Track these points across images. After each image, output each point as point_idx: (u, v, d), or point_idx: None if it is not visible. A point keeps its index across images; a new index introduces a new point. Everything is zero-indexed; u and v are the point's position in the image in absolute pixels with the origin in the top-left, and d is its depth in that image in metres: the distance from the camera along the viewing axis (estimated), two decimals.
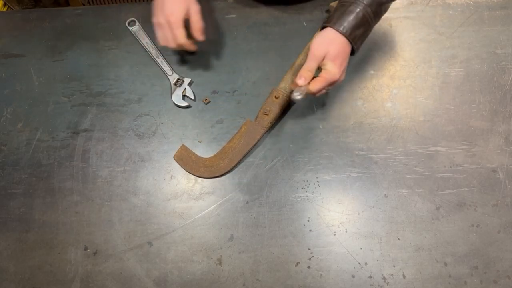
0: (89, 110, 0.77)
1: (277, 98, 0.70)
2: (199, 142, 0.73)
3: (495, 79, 0.74)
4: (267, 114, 0.70)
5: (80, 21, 0.86)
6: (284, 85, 0.71)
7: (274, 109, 0.70)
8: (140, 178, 0.71)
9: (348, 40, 0.60)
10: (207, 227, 0.67)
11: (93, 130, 0.75)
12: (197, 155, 0.71)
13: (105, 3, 1.69)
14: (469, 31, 0.78)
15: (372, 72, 0.76)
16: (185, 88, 0.76)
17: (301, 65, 0.65)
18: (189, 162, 0.70)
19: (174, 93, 0.76)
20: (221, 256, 0.65)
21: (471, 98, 0.73)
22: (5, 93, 0.80)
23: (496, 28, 0.78)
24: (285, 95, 0.70)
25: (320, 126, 0.72)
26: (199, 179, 0.70)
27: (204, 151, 0.72)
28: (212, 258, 0.65)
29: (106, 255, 0.66)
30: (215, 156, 0.70)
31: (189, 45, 0.70)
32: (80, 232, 0.68)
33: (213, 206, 0.68)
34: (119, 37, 0.83)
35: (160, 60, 0.79)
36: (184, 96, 0.76)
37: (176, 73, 0.78)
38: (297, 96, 0.60)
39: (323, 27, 0.63)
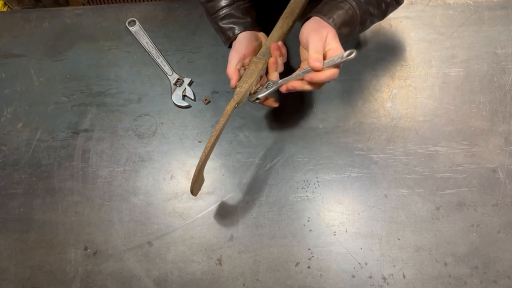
0: (89, 110, 0.77)
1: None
2: (199, 142, 0.73)
3: (495, 79, 0.74)
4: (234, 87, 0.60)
5: (80, 21, 0.86)
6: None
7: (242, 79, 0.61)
8: (140, 178, 0.71)
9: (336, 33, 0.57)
10: (207, 227, 0.67)
11: (93, 130, 0.75)
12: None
13: (105, 3, 1.69)
14: (469, 31, 0.78)
15: (372, 72, 0.76)
16: (185, 88, 0.76)
17: (280, 34, 0.63)
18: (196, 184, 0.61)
19: (174, 93, 0.76)
20: (221, 256, 0.65)
21: (471, 98, 0.73)
22: (5, 93, 0.80)
23: (496, 28, 0.78)
24: (253, 61, 0.62)
25: (320, 126, 0.72)
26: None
27: None
28: (212, 258, 0.65)
29: (106, 255, 0.66)
30: None
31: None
32: (80, 232, 0.68)
33: (213, 206, 0.68)
34: (119, 37, 0.83)
35: (160, 60, 0.79)
36: (184, 96, 0.76)
37: (176, 73, 0.78)
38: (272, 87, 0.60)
39: (310, 17, 0.60)
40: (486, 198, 0.66)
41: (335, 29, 0.57)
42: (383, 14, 0.65)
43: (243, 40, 0.63)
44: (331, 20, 0.57)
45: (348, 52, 0.52)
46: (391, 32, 0.80)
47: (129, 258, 0.66)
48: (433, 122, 0.71)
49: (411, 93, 0.74)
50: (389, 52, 0.77)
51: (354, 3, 0.59)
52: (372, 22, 0.64)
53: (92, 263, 0.66)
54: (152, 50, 0.80)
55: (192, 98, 0.76)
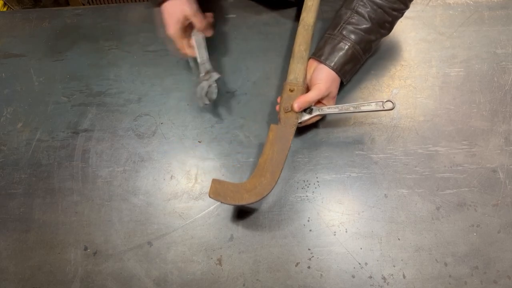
0: (89, 110, 0.77)
1: (292, 91, 0.66)
2: (199, 142, 0.73)
3: (495, 79, 0.74)
4: (289, 111, 0.64)
5: (80, 21, 0.86)
6: (293, 76, 0.67)
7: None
8: (140, 178, 0.71)
9: (339, 75, 0.65)
10: (207, 227, 0.67)
11: (93, 130, 0.75)
12: (233, 183, 0.62)
13: (105, 3, 1.69)
14: (469, 31, 0.78)
15: (372, 72, 0.76)
16: (211, 85, 0.70)
17: (301, 51, 0.67)
18: (228, 193, 0.61)
19: (199, 86, 0.69)
20: (221, 256, 0.65)
21: (471, 98, 0.73)
22: (5, 93, 0.80)
23: (496, 28, 0.78)
24: (299, 85, 0.66)
25: (320, 126, 0.72)
26: (199, 178, 0.70)
27: (204, 151, 0.72)
28: (212, 258, 0.65)
29: (106, 255, 0.66)
30: (253, 176, 0.62)
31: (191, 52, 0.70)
32: (80, 232, 0.68)
33: (213, 206, 0.68)
34: (119, 37, 0.83)
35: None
36: (206, 93, 0.69)
37: (210, 64, 0.70)
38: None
39: (314, 57, 0.67)
40: (486, 198, 0.66)
41: (336, 72, 0.64)
42: (389, 30, 0.69)
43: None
44: (333, 64, 0.64)
45: (386, 100, 0.62)
46: (391, 32, 0.79)
47: (129, 258, 0.66)
48: (433, 122, 0.71)
49: (411, 93, 0.74)
50: (389, 52, 0.77)
51: (353, 39, 0.65)
52: (378, 43, 0.70)
53: (92, 263, 0.66)
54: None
55: (214, 96, 0.70)
